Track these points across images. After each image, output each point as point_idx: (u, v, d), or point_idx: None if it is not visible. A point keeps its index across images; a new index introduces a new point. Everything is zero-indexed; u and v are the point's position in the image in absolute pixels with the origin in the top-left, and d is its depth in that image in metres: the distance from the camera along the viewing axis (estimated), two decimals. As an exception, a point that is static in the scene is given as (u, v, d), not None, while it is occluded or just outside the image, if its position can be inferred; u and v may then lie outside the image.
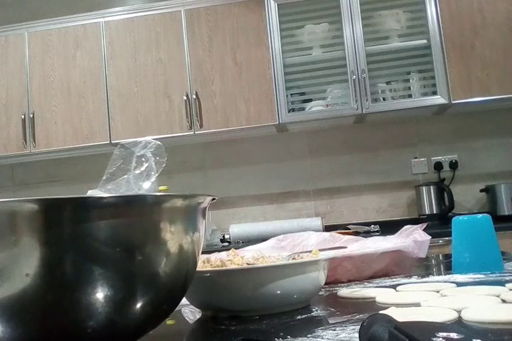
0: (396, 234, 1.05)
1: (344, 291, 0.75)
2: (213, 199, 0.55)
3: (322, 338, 0.50)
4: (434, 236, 1.32)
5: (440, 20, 2.59)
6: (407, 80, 2.70)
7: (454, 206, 2.66)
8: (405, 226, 1.05)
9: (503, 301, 0.60)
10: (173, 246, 0.48)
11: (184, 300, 0.61)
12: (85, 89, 2.87)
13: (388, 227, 2.53)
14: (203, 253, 0.59)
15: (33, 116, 2.89)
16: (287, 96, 2.70)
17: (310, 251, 0.77)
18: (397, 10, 2.67)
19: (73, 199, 0.42)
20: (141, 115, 2.80)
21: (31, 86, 2.91)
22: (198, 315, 0.70)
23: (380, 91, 2.68)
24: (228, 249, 0.93)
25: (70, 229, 0.42)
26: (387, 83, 2.69)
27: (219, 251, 0.97)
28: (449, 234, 0.95)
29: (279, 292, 0.64)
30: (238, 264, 0.71)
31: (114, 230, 0.43)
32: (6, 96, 2.93)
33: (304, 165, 3.00)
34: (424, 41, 2.62)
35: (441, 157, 2.88)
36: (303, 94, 2.76)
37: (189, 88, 2.77)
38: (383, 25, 2.69)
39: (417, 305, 0.61)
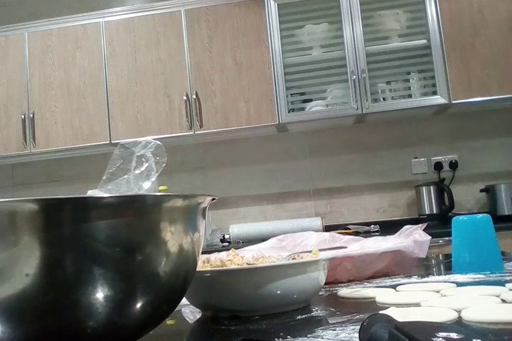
0: (396, 234, 1.05)
1: (344, 291, 0.75)
2: (213, 199, 0.55)
3: (322, 338, 0.50)
4: (434, 236, 1.32)
5: (440, 20, 2.59)
6: (407, 80, 2.70)
7: (454, 206, 2.66)
8: (405, 226, 1.05)
9: (503, 301, 0.60)
10: (173, 246, 0.48)
11: (184, 300, 0.61)
12: (85, 89, 2.87)
13: (388, 227, 2.53)
14: (203, 253, 0.59)
15: (33, 116, 2.89)
16: (287, 96, 2.70)
17: (310, 251, 0.76)
18: (397, 10, 2.67)
19: (73, 199, 0.42)
20: (141, 115, 2.80)
21: (31, 86, 2.91)
22: (198, 315, 0.69)
23: (380, 91, 2.68)
24: (228, 249, 0.93)
25: (70, 229, 0.42)
26: (387, 83, 2.69)
27: (219, 251, 0.97)
28: (449, 234, 0.95)
29: (279, 292, 0.64)
30: (238, 264, 0.71)
31: (114, 230, 0.43)
32: (6, 96, 2.93)
33: (304, 165, 3.00)
34: (424, 41, 2.62)
35: (441, 157, 2.88)
36: (303, 94, 2.76)
37: (189, 88, 2.77)
38: (383, 25, 2.69)
39: (417, 305, 0.61)
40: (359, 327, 0.43)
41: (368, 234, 2.45)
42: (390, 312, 0.55)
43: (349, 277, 0.89)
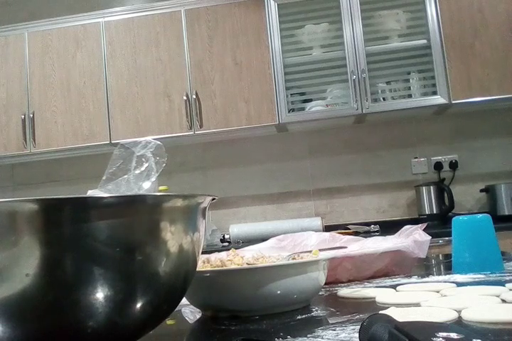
0: (396, 234, 1.05)
1: (344, 291, 0.75)
2: (213, 199, 0.55)
3: (322, 338, 0.50)
4: (434, 236, 1.32)
5: (440, 20, 2.59)
6: (407, 80, 2.70)
7: (454, 206, 2.66)
8: (405, 227, 1.05)
9: (503, 301, 0.60)
10: (173, 246, 0.48)
11: (184, 300, 0.61)
12: (85, 89, 2.87)
13: (388, 227, 2.53)
14: (203, 253, 0.59)
15: (33, 116, 2.89)
16: (287, 96, 2.70)
17: (310, 251, 0.76)
18: (397, 10, 2.67)
19: (73, 199, 0.42)
20: (141, 115, 2.80)
21: (31, 86, 2.91)
22: (198, 315, 0.69)
23: (380, 91, 2.68)
24: (228, 249, 0.93)
25: (70, 229, 0.42)
26: (387, 83, 2.69)
27: (219, 251, 0.97)
28: (449, 234, 0.95)
29: (279, 292, 0.64)
30: (238, 264, 0.71)
31: (114, 230, 0.43)
32: (6, 96, 2.93)
33: (304, 165, 3.00)
34: (424, 41, 2.62)
35: (441, 157, 2.88)
36: (303, 94, 2.75)
37: (189, 88, 2.77)
38: (383, 25, 2.69)
39: (417, 305, 0.61)
40: (359, 327, 0.43)
41: (368, 234, 2.45)
42: (390, 312, 0.55)
43: (349, 277, 0.89)
